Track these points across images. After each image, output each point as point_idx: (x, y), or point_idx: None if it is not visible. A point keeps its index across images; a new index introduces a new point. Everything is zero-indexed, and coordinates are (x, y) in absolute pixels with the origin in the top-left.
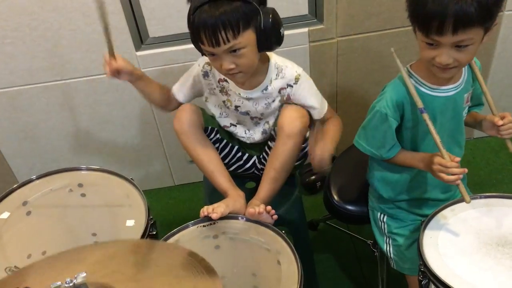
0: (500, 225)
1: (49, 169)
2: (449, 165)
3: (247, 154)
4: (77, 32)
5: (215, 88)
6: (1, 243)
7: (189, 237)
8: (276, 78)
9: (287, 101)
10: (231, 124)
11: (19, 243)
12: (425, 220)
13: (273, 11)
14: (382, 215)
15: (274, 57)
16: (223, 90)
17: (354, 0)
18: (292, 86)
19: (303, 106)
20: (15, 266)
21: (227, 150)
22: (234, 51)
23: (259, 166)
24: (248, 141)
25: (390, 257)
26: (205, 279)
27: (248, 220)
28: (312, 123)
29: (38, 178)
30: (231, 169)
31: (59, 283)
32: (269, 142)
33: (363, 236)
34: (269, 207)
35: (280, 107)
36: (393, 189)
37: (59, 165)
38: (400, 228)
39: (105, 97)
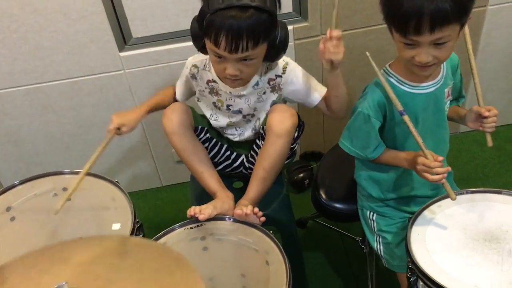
0: (486, 220)
1: (34, 173)
2: (433, 165)
3: (235, 153)
4: (58, 33)
5: (203, 90)
6: None
7: (176, 239)
8: (266, 72)
9: (279, 96)
10: (221, 127)
11: (3, 249)
12: (413, 217)
13: (286, 26)
14: (371, 214)
15: None
16: (212, 91)
17: None
18: (281, 76)
19: (299, 95)
20: None
21: (216, 149)
22: (245, 59)
23: (247, 165)
24: (238, 139)
25: (381, 255)
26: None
27: (235, 221)
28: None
29: (22, 183)
30: (219, 168)
31: None
32: (257, 141)
33: (352, 233)
34: (256, 209)
35: (272, 100)
36: (381, 188)
37: (43, 168)
38: (389, 226)
39: (88, 98)
